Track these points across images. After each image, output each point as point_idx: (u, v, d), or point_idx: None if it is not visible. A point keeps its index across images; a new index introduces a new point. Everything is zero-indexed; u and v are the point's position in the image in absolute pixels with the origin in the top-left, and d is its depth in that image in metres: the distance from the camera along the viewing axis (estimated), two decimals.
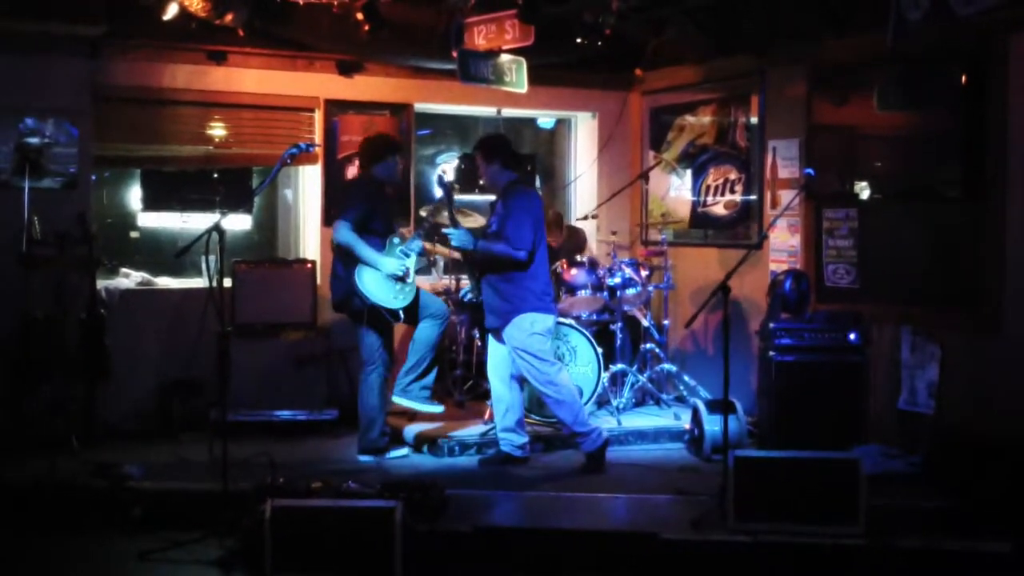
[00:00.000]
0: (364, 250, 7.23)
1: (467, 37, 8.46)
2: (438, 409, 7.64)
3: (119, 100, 8.41)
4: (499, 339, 7.34)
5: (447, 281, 8.81)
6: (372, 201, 7.43)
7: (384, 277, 7.27)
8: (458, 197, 9.32)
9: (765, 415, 7.62)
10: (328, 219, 9.01)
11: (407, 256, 7.37)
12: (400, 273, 7.28)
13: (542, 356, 7.19)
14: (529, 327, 7.14)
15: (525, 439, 7.46)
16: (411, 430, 8.04)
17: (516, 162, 7.55)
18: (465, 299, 8.51)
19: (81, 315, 7.85)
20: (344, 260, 7.35)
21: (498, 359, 7.39)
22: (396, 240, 7.43)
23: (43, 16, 7.76)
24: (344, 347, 8.32)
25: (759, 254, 8.46)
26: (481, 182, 7.74)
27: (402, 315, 7.36)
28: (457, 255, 8.48)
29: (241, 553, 5.59)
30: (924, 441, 7.13)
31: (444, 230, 7.33)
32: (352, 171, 9.10)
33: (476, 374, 8.72)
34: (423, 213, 8.67)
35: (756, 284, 8.53)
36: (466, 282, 8.82)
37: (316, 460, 7.43)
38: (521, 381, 7.44)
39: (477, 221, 8.79)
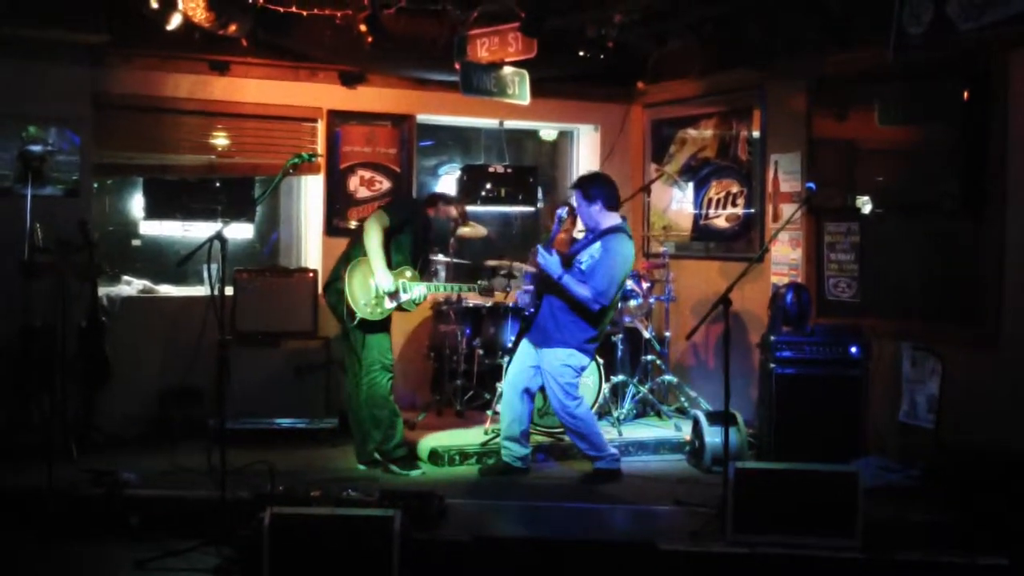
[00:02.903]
0: (377, 250, 7.26)
1: (469, 49, 8.47)
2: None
3: (121, 108, 8.43)
4: (532, 354, 7.36)
5: (448, 290, 8.81)
6: (415, 223, 7.53)
7: (371, 284, 7.28)
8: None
9: (765, 427, 7.61)
10: (329, 229, 9.04)
11: (404, 290, 7.38)
12: (387, 291, 7.28)
13: (568, 389, 7.27)
14: (565, 358, 7.22)
15: (527, 451, 7.47)
16: (411, 439, 8.04)
17: (617, 202, 7.43)
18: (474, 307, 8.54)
19: (81, 323, 7.86)
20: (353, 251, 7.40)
21: (521, 370, 7.40)
22: (409, 273, 7.44)
23: (45, 24, 7.78)
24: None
25: (760, 267, 8.47)
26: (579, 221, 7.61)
27: (354, 323, 7.33)
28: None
29: (239, 561, 5.58)
30: (923, 455, 7.11)
31: (539, 247, 7.19)
32: (354, 181, 9.15)
33: (477, 384, 8.71)
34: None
35: (757, 297, 8.54)
36: (467, 293, 8.83)
37: (315, 468, 7.44)
38: (533, 396, 7.49)
39: (478, 232, 8.81)
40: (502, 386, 7.67)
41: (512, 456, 7.41)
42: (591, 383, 8.22)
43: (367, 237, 7.29)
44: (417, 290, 7.44)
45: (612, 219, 7.31)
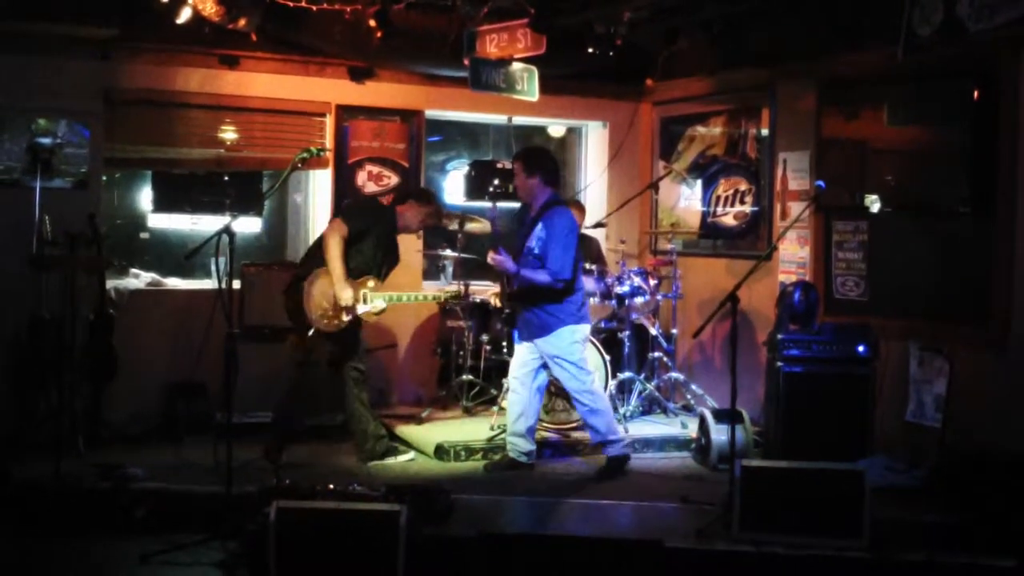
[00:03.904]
0: (336, 261, 7.23)
1: (479, 45, 8.48)
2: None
3: (131, 102, 8.44)
4: (531, 349, 7.36)
5: (456, 286, 8.81)
6: (378, 229, 7.47)
7: (331, 295, 7.27)
8: (466, 204, 9.39)
9: (772, 425, 7.60)
10: None
11: (365, 301, 7.36)
12: (345, 303, 7.27)
13: (581, 365, 7.29)
14: (570, 336, 7.24)
15: (532, 447, 7.48)
16: (417, 434, 8.05)
17: (556, 179, 7.49)
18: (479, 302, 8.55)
19: (89, 316, 7.87)
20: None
21: (525, 367, 7.41)
22: (372, 283, 7.41)
23: (55, 18, 7.79)
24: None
25: (768, 265, 8.46)
26: (515, 191, 7.63)
27: (308, 334, 7.34)
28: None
29: (244, 555, 5.57)
30: (930, 455, 7.11)
31: (491, 256, 7.22)
32: (362, 176, 9.15)
33: (483, 379, 8.72)
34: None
35: (765, 295, 8.53)
36: (475, 287, 8.84)
37: (321, 463, 7.44)
38: (543, 392, 7.50)
39: (485, 227, 8.82)
40: (507, 382, 7.67)
41: (518, 452, 7.42)
42: (597, 379, 8.20)
43: (326, 248, 7.27)
44: (377, 303, 7.41)
45: (546, 194, 7.33)
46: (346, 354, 7.49)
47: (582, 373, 7.29)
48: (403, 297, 7.73)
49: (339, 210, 8.01)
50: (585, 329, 7.36)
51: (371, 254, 7.44)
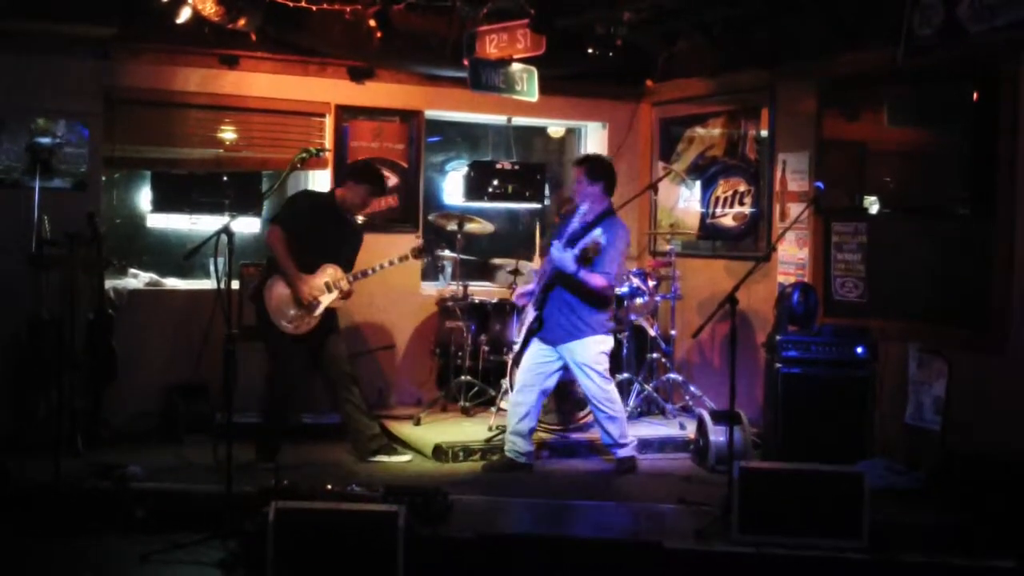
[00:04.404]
0: (287, 263, 7.25)
1: (478, 46, 8.48)
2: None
3: (130, 102, 8.43)
4: (548, 352, 7.38)
5: (455, 287, 8.82)
6: (317, 218, 7.46)
7: (292, 299, 7.29)
8: (468, 204, 9.39)
9: (770, 427, 7.59)
10: None
11: (330, 289, 7.37)
12: (307, 300, 7.29)
13: (605, 375, 7.39)
14: (597, 347, 7.34)
15: (531, 448, 7.51)
16: (416, 435, 8.05)
17: (614, 189, 7.54)
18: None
19: (89, 316, 7.87)
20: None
21: (536, 367, 7.42)
22: (331, 270, 7.41)
23: (55, 17, 7.79)
24: (351, 352, 8.31)
25: (767, 266, 8.46)
26: (576, 195, 7.53)
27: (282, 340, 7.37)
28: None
29: (243, 555, 5.57)
30: (929, 457, 7.11)
31: (554, 242, 7.17)
32: None
33: (482, 380, 8.72)
34: (431, 218, 8.68)
35: (764, 296, 8.53)
36: (474, 288, 8.84)
37: (320, 463, 7.44)
38: (547, 396, 7.57)
39: (485, 228, 8.82)
40: (513, 383, 7.68)
41: (516, 452, 7.43)
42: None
43: (274, 254, 7.31)
44: (341, 285, 7.41)
45: (605, 202, 7.39)
46: (330, 333, 7.52)
47: (605, 382, 7.39)
48: (368, 272, 7.65)
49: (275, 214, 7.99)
50: (610, 341, 7.49)
51: (322, 244, 7.44)
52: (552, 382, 7.48)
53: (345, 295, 7.44)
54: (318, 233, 7.43)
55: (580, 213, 7.29)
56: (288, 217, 7.45)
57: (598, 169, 7.43)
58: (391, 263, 7.76)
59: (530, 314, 7.51)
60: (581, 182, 7.39)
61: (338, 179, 7.83)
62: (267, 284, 7.34)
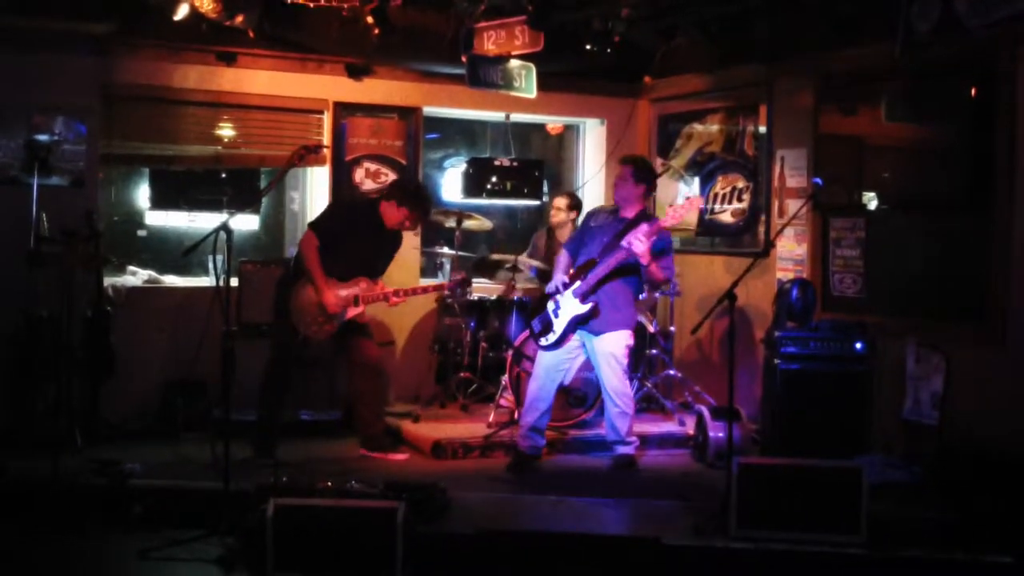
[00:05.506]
0: (316, 271, 7.25)
1: (476, 42, 8.47)
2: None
3: (128, 99, 8.44)
4: (569, 349, 7.40)
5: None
6: (357, 228, 7.45)
7: (318, 304, 7.29)
8: (466, 201, 9.39)
9: (769, 423, 7.60)
10: None
11: (356, 304, 7.37)
12: (332, 313, 7.29)
13: (627, 370, 7.45)
14: (626, 340, 7.39)
15: (544, 443, 7.55)
16: (415, 431, 8.05)
17: (652, 194, 7.75)
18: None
19: (87, 313, 7.87)
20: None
21: (561, 363, 7.43)
22: (364, 284, 7.39)
23: (53, 14, 7.78)
24: None
25: (766, 262, 8.46)
26: (619, 194, 7.50)
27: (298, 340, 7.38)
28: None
29: (242, 552, 5.57)
30: (927, 452, 7.11)
31: (640, 233, 7.00)
32: (359, 173, 9.14)
33: (481, 377, 8.72)
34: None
35: (762, 292, 8.54)
36: (479, 284, 8.83)
37: (319, 460, 7.44)
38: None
39: (483, 225, 8.82)
40: (512, 379, 7.67)
41: (535, 448, 7.45)
42: (594, 376, 8.21)
43: (304, 260, 7.30)
44: (372, 296, 7.41)
45: (642, 204, 7.48)
46: (360, 335, 7.55)
47: (625, 377, 7.43)
48: (411, 292, 7.72)
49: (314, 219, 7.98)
50: (633, 338, 7.52)
51: (356, 254, 7.43)
52: (568, 377, 7.56)
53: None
54: (354, 243, 7.42)
55: (618, 211, 7.41)
56: (326, 224, 7.45)
57: (643, 172, 7.44)
58: (428, 291, 8.08)
59: (570, 305, 7.35)
60: (626, 181, 7.39)
61: (386, 192, 7.79)
62: (300, 283, 7.31)
